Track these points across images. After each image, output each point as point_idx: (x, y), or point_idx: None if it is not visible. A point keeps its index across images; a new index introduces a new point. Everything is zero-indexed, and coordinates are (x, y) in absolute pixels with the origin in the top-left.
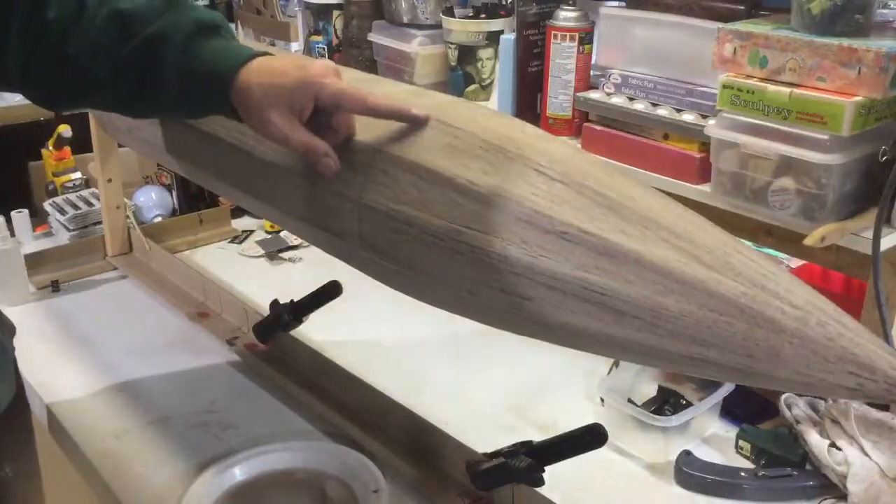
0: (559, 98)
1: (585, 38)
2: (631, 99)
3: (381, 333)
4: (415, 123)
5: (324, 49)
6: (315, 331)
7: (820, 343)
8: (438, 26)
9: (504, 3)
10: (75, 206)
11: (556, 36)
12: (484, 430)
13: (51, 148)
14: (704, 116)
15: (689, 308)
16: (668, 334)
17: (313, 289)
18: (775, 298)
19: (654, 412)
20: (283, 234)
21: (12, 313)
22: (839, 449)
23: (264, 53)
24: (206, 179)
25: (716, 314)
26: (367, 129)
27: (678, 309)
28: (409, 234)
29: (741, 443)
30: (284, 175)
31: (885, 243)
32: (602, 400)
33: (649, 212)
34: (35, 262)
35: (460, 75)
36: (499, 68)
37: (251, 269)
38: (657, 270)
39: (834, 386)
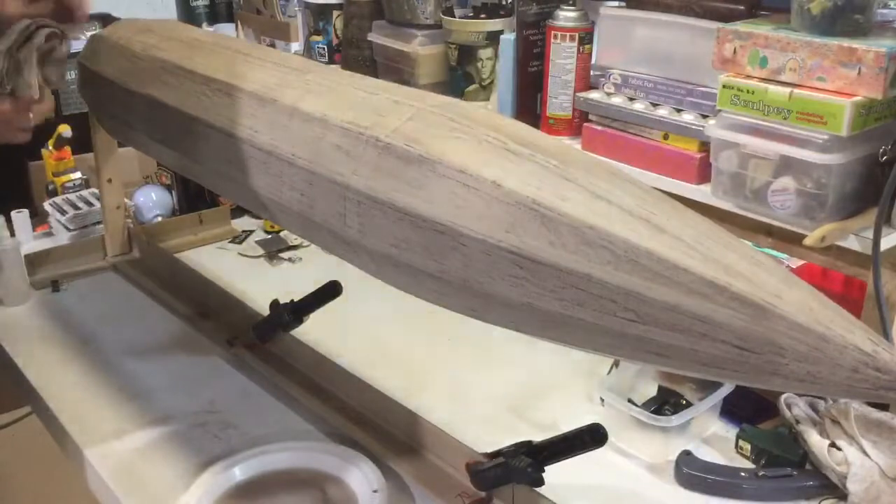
0: (559, 98)
1: (585, 38)
2: (631, 99)
3: (381, 333)
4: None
5: (324, 49)
6: (315, 331)
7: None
8: (438, 26)
9: (504, 3)
10: (75, 206)
11: (556, 36)
12: (484, 430)
13: (51, 148)
14: (704, 116)
15: None
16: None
17: (313, 289)
18: None
19: (654, 412)
20: (283, 233)
21: (12, 313)
22: (839, 449)
23: None
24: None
25: None
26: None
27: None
28: None
29: (741, 443)
30: None
31: (885, 243)
32: (602, 400)
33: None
34: (35, 262)
35: (460, 75)
36: (499, 68)
37: (251, 269)
38: None
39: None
